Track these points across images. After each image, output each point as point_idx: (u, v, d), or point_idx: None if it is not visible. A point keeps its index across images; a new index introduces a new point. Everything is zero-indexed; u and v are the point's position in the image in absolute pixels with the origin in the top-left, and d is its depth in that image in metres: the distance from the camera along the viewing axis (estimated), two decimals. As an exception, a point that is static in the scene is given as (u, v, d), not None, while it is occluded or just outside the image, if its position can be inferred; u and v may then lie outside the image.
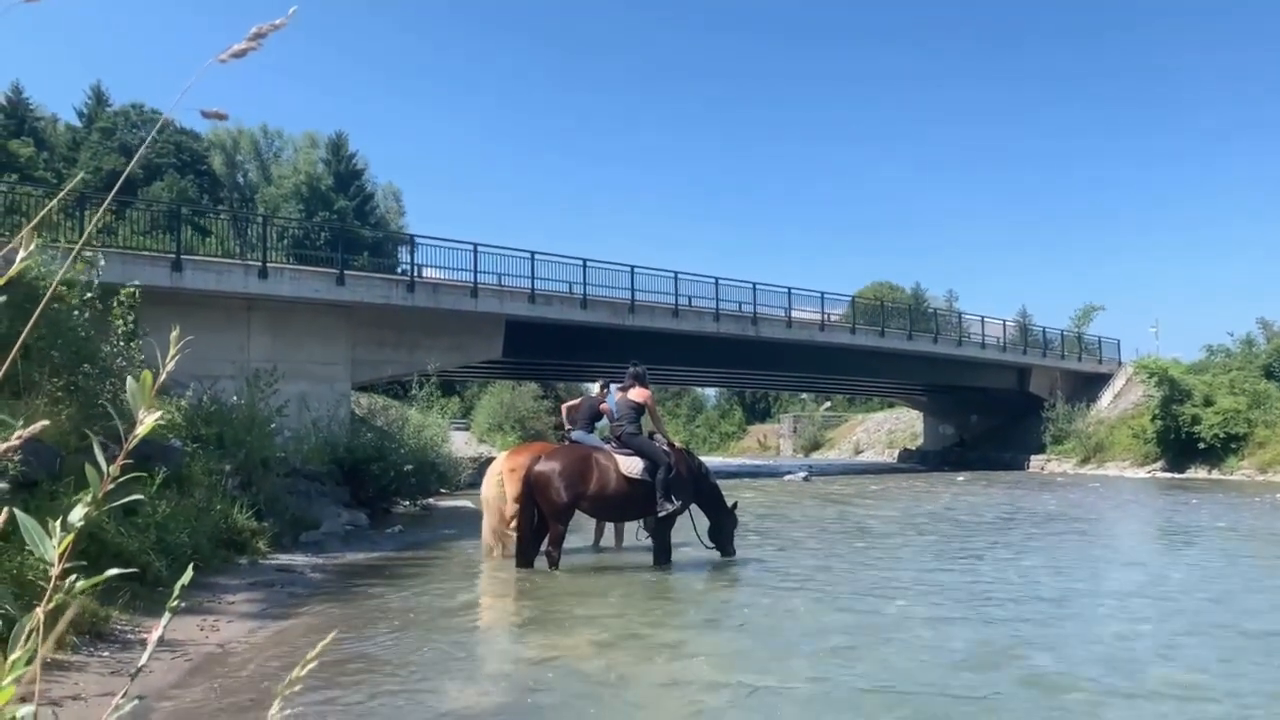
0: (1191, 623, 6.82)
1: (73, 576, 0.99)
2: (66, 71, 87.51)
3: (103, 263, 10.23)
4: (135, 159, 1.59)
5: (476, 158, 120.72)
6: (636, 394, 9.66)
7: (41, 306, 1.14)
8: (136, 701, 1.09)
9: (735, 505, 10.26)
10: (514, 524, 9.89)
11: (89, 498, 0.98)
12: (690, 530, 9.91)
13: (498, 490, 10.22)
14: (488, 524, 10.41)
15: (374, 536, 12.53)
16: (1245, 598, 7.91)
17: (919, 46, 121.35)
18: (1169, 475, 30.19)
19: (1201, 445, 29.98)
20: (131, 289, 10.06)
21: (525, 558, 9.19)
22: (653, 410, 9.73)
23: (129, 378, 1.02)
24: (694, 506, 9.81)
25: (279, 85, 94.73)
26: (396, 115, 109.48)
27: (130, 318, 9.73)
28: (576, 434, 10.66)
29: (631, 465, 9.24)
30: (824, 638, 6.29)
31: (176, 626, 6.07)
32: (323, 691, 4.80)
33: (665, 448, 9.51)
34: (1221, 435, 29.64)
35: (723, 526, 10.01)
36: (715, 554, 9.95)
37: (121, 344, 9.49)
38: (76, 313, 8.95)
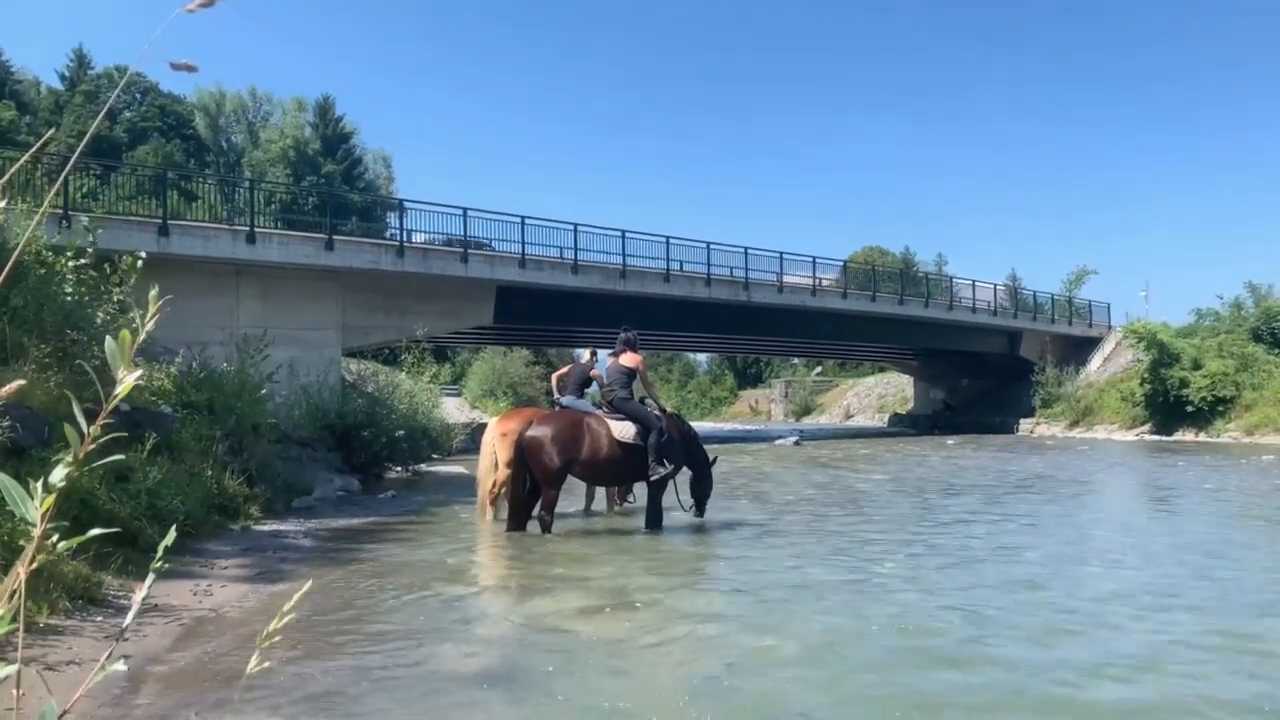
0: (1174, 583, 6.90)
1: (54, 536, 0.98)
2: (48, 34, 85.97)
3: (84, 221, 10.10)
4: (104, 109, 1.56)
5: (474, 125, 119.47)
6: (628, 359, 9.66)
7: (12, 262, 1.12)
8: (122, 662, 1.09)
9: (715, 460, 10.34)
10: (503, 490, 9.94)
11: (69, 458, 0.97)
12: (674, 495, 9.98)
13: (490, 462, 10.30)
14: (482, 491, 10.49)
15: (366, 502, 12.57)
16: (1227, 553, 8.02)
17: (910, 13, 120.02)
18: (1157, 438, 30.44)
19: (1189, 408, 30.20)
20: (135, 257, 9.88)
21: (517, 522, 9.24)
22: (644, 375, 9.74)
23: (107, 337, 1.00)
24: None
25: (269, 49, 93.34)
26: (393, 82, 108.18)
27: (129, 283, 9.58)
28: (567, 399, 10.67)
29: (624, 430, 9.27)
30: (817, 599, 6.35)
31: (170, 591, 6.09)
32: (316, 655, 4.84)
33: (656, 412, 9.55)
34: (1209, 398, 29.86)
35: (703, 485, 10.11)
36: (706, 518, 10.06)
37: (116, 312, 9.37)
38: (69, 278, 8.85)
